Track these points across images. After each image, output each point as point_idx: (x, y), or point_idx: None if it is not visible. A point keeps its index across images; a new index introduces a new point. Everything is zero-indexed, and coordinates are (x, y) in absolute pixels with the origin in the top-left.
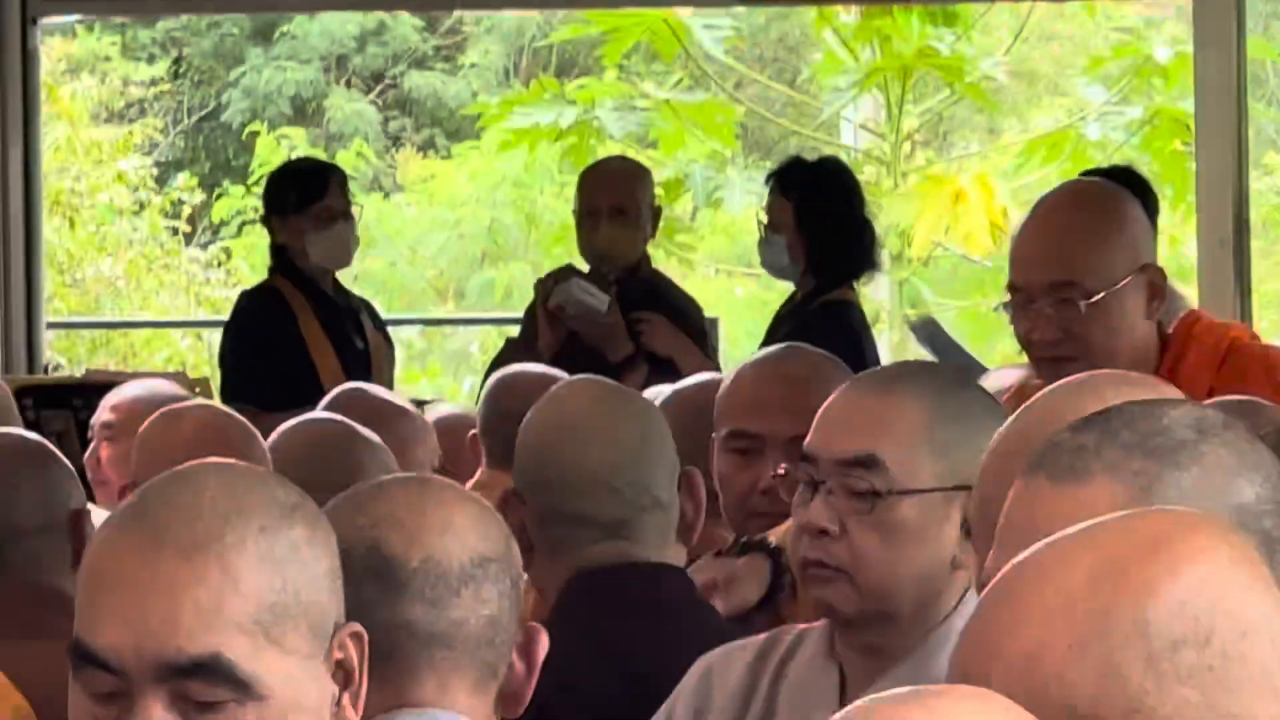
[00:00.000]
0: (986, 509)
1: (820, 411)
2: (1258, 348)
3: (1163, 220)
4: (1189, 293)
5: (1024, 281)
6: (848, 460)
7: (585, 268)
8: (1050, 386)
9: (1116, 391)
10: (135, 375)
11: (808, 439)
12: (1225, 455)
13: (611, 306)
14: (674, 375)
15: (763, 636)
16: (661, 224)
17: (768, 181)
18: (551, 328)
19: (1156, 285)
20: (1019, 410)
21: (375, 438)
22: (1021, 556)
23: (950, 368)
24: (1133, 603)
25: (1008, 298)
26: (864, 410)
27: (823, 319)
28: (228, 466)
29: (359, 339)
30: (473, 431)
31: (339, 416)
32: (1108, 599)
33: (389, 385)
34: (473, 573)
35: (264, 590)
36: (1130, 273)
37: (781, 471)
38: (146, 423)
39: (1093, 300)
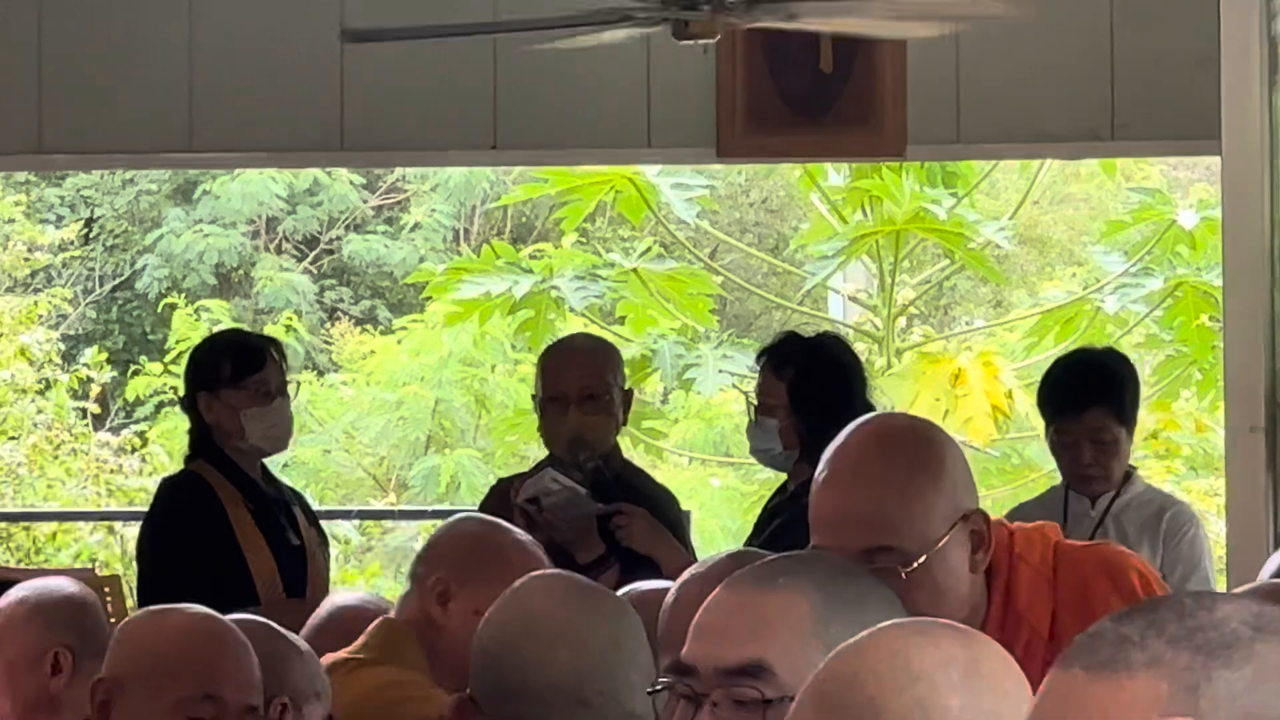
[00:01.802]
0: None
1: (697, 615)
2: (1083, 551)
3: (1188, 405)
4: (1216, 483)
5: (832, 546)
6: (731, 669)
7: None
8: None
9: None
10: (39, 573)
11: (685, 648)
12: None
13: (589, 497)
14: (650, 575)
15: None
16: None
17: (759, 360)
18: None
19: (980, 534)
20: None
21: (304, 645)
22: None
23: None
24: None
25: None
26: (745, 612)
27: None
28: None
29: (293, 534)
30: None
31: (264, 619)
32: None
33: (324, 587)
34: None
35: None
36: (952, 525)
37: (658, 687)
38: (131, 617)
39: (913, 568)
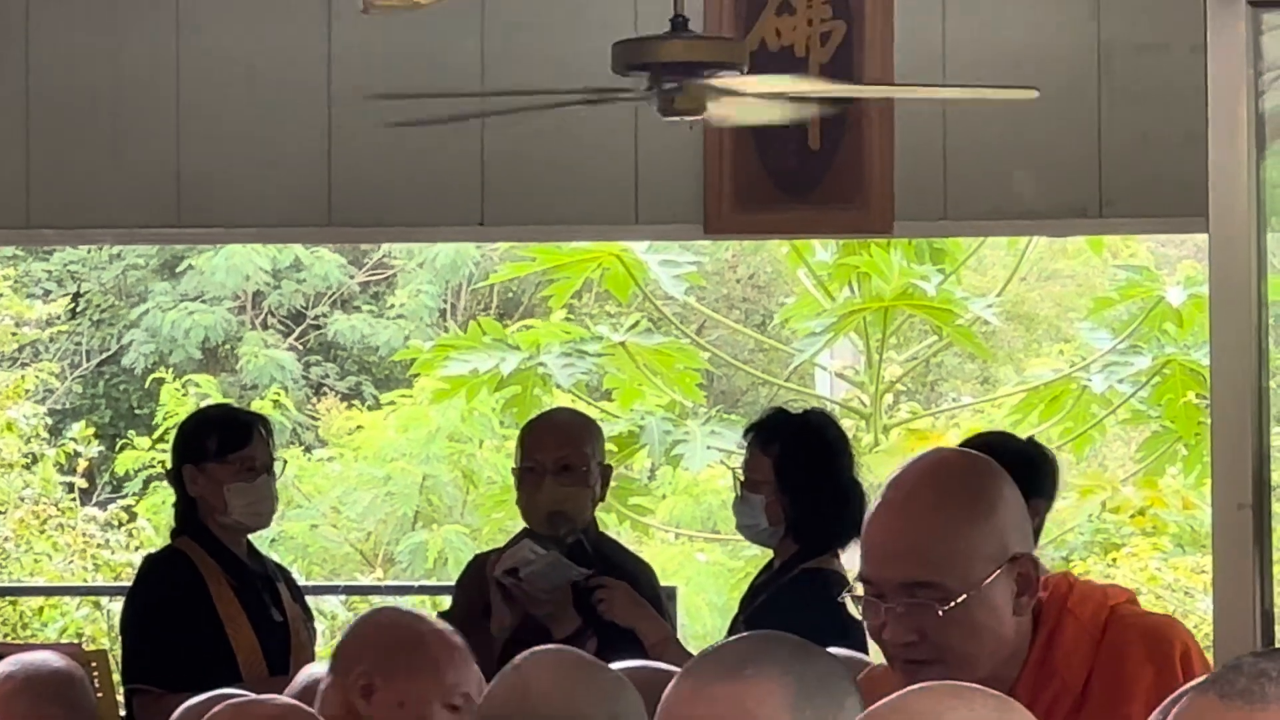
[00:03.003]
0: None
1: (663, 709)
2: (1135, 617)
3: (1175, 483)
4: (1203, 561)
5: (875, 577)
6: None
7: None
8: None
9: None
10: (25, 647)
11: None
12: None
13: (569, 563)
14: (629, 648)
15: None
16: (615, 484)
17: (746, 435)
18: (509, 605)
19: (1027, 577)
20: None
21: None
22: None
23: (790, 637)
24: None
25: (859, 588)
26: (718, 703)
27: (802, 589)
28: None
29: (277, 611)
30: None
31: (291, 701)
32: None
33: (309, 663)
34: None
35: None
36: (997, 567)
37: None
38: (215, 711)
39: (950, 605)
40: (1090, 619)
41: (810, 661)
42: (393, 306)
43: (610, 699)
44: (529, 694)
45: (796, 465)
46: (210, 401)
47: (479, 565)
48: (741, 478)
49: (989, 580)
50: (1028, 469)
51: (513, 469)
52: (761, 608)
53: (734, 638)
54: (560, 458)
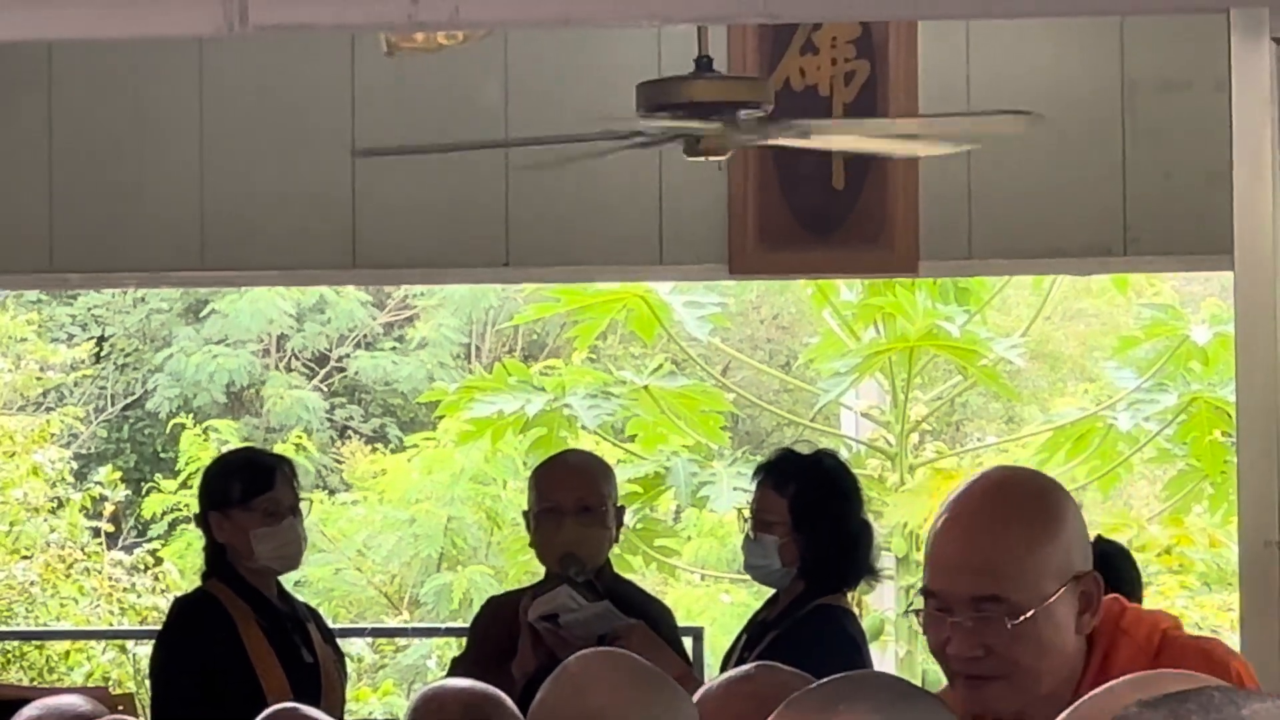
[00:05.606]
0: None
1: None
2: (1190, 640)
3: (1201, 521)
4: (1229, 598)
5: (942, 590)
6: None
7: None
8: None
9: None
10: (51, 691)
11: None
12: None
13: (613, 612)
14: None
15: None
16: (640, 525)
17: (755, 476)
18: (533, 647)
19: (1089, 596)
20: None
21: None
22: None
23: (889, 677)
24: None
25: (919, 602)
26: None
27: (818, 624)
28: None
29: (307, 652)
30: None
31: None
32: None
33: (340, 706)
34: None
35: None
36: (1063, 584)
37: None
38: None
39: (1019, 620)
40: (1145, 640)
41: (908, 701)
42: (414, 344)
43: (663, 699)
44: (583, 696)
45: (812, 506)
46: (231, 446)
47: (493, 608)
48: (748, 518)
49: (1055, 596)
50: (1106, 569)
51: (525, 511)
52: (778, 643)
53: (837, 676)
54: (579, 499)
